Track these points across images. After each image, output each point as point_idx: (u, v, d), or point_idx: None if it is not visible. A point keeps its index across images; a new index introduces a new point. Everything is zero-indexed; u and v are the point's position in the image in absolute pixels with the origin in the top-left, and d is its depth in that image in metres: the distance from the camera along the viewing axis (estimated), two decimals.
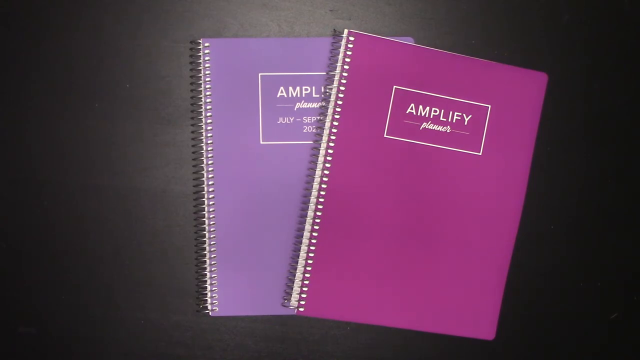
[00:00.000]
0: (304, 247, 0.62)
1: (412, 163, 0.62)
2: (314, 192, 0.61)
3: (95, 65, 0.63)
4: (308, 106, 0.63)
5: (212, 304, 0.63)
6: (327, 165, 0.61)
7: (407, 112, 0.62)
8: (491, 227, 0.62)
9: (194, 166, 0.63)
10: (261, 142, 0.63)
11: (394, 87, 0.61)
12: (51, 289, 0.63)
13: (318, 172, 0.61)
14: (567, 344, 0.65)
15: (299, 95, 0.63)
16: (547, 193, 0.65)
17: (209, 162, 0.62)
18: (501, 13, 0.64)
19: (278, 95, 0.63)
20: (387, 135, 0.62)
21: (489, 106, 0.62)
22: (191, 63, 0.63)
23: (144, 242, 0.64)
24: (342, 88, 0.61)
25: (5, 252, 0.63)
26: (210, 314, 0.63)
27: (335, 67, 0.61)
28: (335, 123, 0.61)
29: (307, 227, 0.61)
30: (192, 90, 0.63)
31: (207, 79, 0.62)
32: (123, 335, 0.64)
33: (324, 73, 0.63)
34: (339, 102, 0.61)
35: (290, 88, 0.63)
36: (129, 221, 0.63)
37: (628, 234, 0.65)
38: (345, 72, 0.61)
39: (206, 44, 0.62)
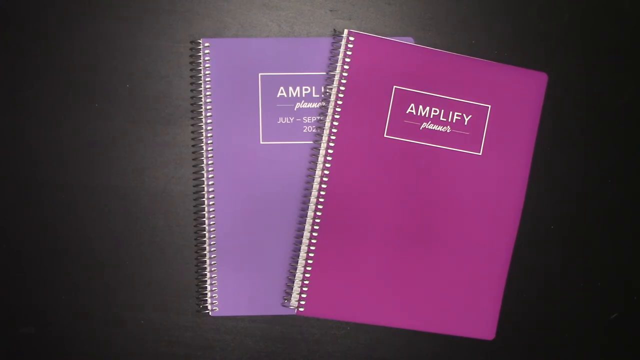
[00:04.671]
0: (304, 247, 0.62)
1: (412, 163, 0.62)
2: (314, 192, 0.61)
3: (95, 65, 0.63)
4: (308, 106, 0.63)
5: (212, 304, 0.63)
6: (327, 165, 0.61)
7: (407, 112, 0.62)
8: (491, 227, 0.62)
9: (194, 166, 0.63)
10: (261, 142, 0.63)
11: (394, 87, 0.61)
12: (51, 289, 0.63)
13: (318, 172, 0.61)
14: (567, 344, 0.65)
15: (299, 95, 0.63)
16: (547, 193, 0.65)
17: (209, 162, 0.62)
18: (501, 13, 0.64)
19: (278, 95, 0.63)
20: (387, 135, 0.62)
21: (489, 106, 0.62)
22: (191, 63, 0.63)
23: (144, 242, 0.64)
24: (342, 88, 0.61)
25: (5, 252, 0.63)
26: (210, 314, 0.63)
27: (335, 67, 0.61)
28: (335, 123, 0.61)
29: (307, 227, 0.61)
30: (192, 90, 0.63)
31: (207, 79, 0.62)
32: (123, 335, 0.64)
33: (324, 73, 0.63)
34: (339, 102, 0.61)
35: (290, 88, 0.63)
36: (129, 221, 0.63)
37: (628, 234, 0.65)
38: (345, 72, 0.61)
39: (206, 44, 0.62)
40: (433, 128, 0.62)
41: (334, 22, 0.64)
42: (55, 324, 0.64)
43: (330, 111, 0.61)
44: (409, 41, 0.63)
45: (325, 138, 0.61)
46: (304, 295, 0.61)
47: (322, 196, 0.61)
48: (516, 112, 0.62)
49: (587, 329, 0.66)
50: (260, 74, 0.62)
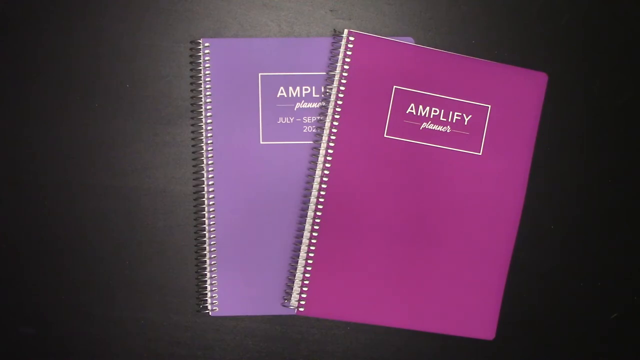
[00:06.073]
0: (304, 247, 0.62)
1: (412, 163, 0.62)
2: (314, 192, 0.61)
3: (95, 65, 0.63)
4: (308, 106, 0.63)
5: (212, 304, 0.63)
6: (327, 165, 0.61)
7: (407, 112, 0.62)
8: (491, 227, 0.62)
9: (194, 166, 0.63)
10: (261, 142, 0.63)
11: (394, 87, 0.61)
12: (51, 289, 0.63)
13: (318, 172, 0.62)
14: (567, 344, 0.65)
15: (299, 95, 0.63)
16: (547, 193, 0.65)
17: (209, 162, 0.62)
18: (501, 13, 0.64)
19: (278, 95, 0.63)
20: (387, 135, 0.62)
21: (489, 106, 0.62)
22: (191, 63, 0.63)
23: (144, 242, 0.64)
24: (342, 88, 0.61)
25: (5, 252, 0.63)
26: (210, 314, 0.63)
27: (335, 67, 0.61)
28: (335, 123, 0.61)
29: (307, 227, 0.61)
30: (192, 90, 0.63)
31: (207, 79, 0.62)
32: (123, 335, 0.64)
33: (324, 73, 0.63)
34: (339, 102, 0.61)
35: (290, 88, 0.63)
36: (129, 221, 0.63)
37: (628, 234, 0.65)
38: (345, 72, 0.61)
39: (206, 44, 0.62)
40: (433, 128, 0.62)
41: (334, 22, 0.64)
42: (55, 324, 0.64)
43: (330, 111, 0.61)
44: (409, 41, 0.63)
45: (325, 138, 0.61)
46: (304, 295, 0.62)
47: (322, 196, 0.61)
48: (516, 112, 0.62)
49: (587, 329, 0.66)
50: (260, 74, 0.62)
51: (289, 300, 0.62)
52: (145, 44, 0.63)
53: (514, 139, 0.62)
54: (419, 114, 0.62)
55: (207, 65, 0.62)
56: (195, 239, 0.63)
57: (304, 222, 0.62)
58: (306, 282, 0.61)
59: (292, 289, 0.62)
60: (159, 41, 0.63)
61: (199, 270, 0.63)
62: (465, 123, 0.62)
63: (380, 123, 0.61)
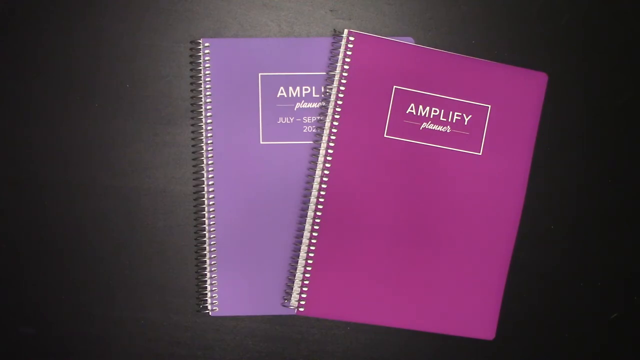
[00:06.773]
0: (304, 247, 0.62)
1: (412, 163, 0.62)
2: (314, 192, 0.61)
3: (95, 65, 0.63)
4: (308, 106, 0.63)
5: (212, 304, 0.63)
6: (327, 165, 0.61)
7: (407, 112, 0.62)
8: (491, 227, 0.62)
9: (194, 166, 0.63)
10: (261, 142, 0.63)
11: (394, 87, 0.61)
12: (51, 289, 0.63)
13: (318, 172, 0.62)
14: (567, 344, 0.65)
15: (299, 95, 0.63)
16: (547, 193, 0.65)
17: (209, 162, 0.62)
18: (501, 13, 0.64)
19: (278, 95, 0.63)
20: (387, 135, 0.62)
21: (489, 106, 0.62)
22: (191, 63, 0.63)
23: (144, 242, 0.64)
24: (342, 88, 0.61)
25: (5, 252, 0.63)
26: (210, 314, 0.63)
27: (335, 67, 0.61)
28: (335, 123, 0.61)
29: (307, 227, 0.61)
30: (192, 90, 0.63)
31: (207, 79, 0.62)
32: (123, 335, 0.64)
33: (324, 73, 0.63)
34: (339, 102, 0.61)
35: (290, 88, 0.63)
36: (129, 221, 0.63)
37: (628, 234, 0.65)
38: (345, 72, 0.61)
39: (206, 44, 0.62)
40: (433, 128, 0.62)
41: (334, 22, 0.64)
42: (55, 324, 0.64)
43: (330, 111, 0.61)
44: (409, 41, 0.63)
45: (325, 138, 0.61)
46: (304, 295, 0.62)
47: (322, 196, 0.61)
48: (516, 112, 0.62)
49: (587, 329, 0.66)
50: (260, 74, 0.62)
51: (289, 300, 0.62)
52: (145, 44, 0.63)
53: (514, 139, 0.62)
54: (419, 114, 0.62)
55: (207, 65, 0.62)
56: (195, 239, 0.63)
57: (304, 222, 0.62)
58: (306, 282, 0.61)
59: (292, 289, 0.62)
60: (159, 41, 0.63)
61: (199, 270, 0.63)
62: (465, 123, 0.62)
63: (380, 123, 0.62)
